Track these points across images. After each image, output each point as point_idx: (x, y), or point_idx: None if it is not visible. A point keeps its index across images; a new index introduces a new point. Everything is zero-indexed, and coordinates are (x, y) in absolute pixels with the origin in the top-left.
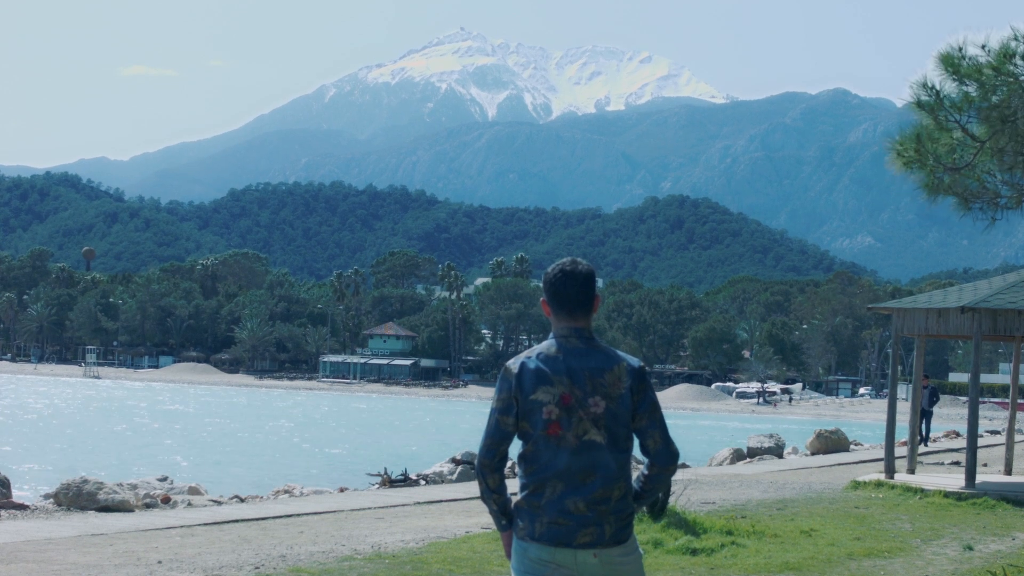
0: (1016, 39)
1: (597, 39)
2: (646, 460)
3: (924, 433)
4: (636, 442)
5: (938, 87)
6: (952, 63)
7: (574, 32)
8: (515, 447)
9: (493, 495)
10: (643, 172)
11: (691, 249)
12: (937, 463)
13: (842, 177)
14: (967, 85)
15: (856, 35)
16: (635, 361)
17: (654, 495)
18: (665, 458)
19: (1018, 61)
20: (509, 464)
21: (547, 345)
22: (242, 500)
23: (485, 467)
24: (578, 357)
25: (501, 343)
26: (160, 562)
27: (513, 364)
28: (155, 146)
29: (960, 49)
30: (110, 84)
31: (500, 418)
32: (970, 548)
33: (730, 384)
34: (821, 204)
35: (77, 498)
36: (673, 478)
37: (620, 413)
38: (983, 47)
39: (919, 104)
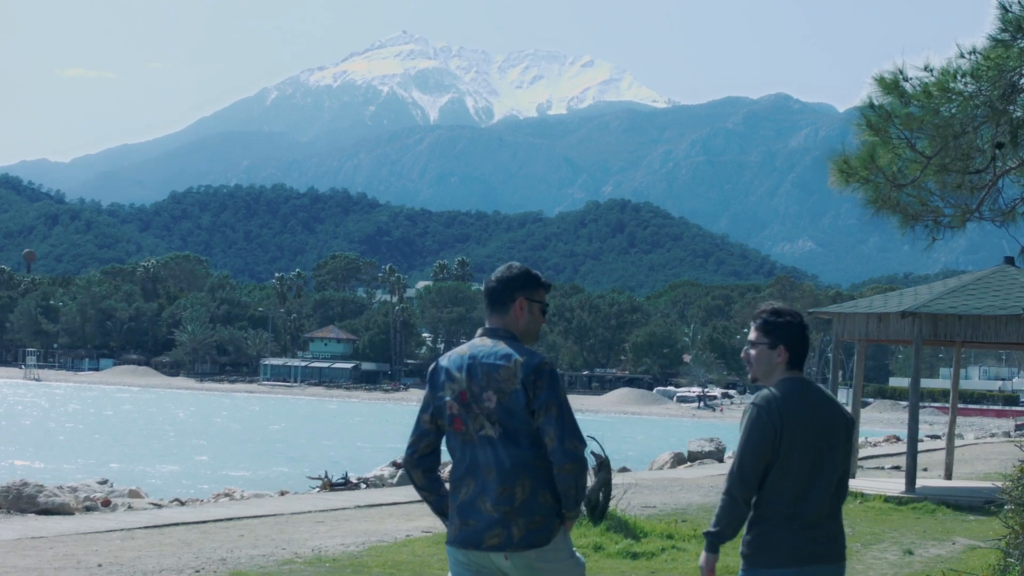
0: (962, 55)
1: (539, 43)
2: None
3: None
4: None
5: (886, 106)
6: (892, 86)
7: (516, 36)
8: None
9: (422, 492)
10: (584, 176)
11: (632, 253)
12: (878, 467)
13: (783, 182)
14: (911, 105)
15: (799, 41)
16: (535, 358)
17: (571, 497)
18: (559, 456)
19: (966, 79)
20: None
21: (464, 345)
22: (182, 503)
23: (406, 463)
24: (482, 354)
25: (442, 346)
26: (100, 565)
27: (433, 364)
28: (96, 148)
29: (900, 71)
30: (49, 85)
31: (420, 416)
32: (910, 553)
33: (671, 388)
34: (762, 209)
35: (17, 501)
36: (614, 481)
37: (514, 409)
38: (926, 68)
39: (869, 123)
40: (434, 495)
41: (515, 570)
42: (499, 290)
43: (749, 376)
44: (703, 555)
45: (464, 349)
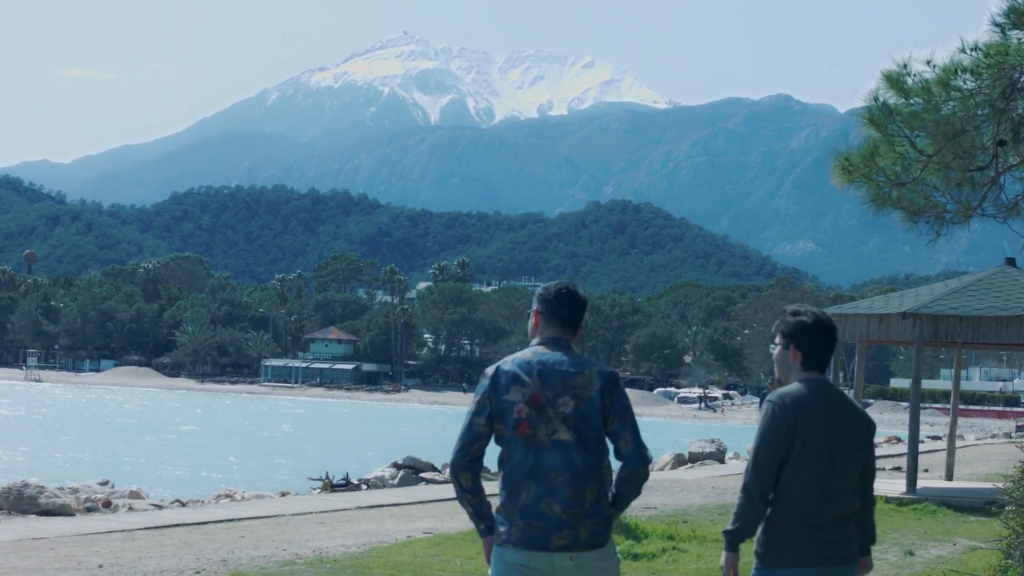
0: (964, 50)
1: (540, 43)
2: (620, 463)
3: None
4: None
5: (889, 102)
6: (897, 82)
7: (517, 36)
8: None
9: (466, 495)
10: (585, 177)
11: (633, 254)
12: (879, 468)
13: (784, 182)
14: (913, 101)
15: (799, 41)
16: (608, 368)
17: (628, 498)
18: (636, 459)
19: (966, 76)
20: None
21: (525, 351)
22: (183, 504)
23: (456, 465)
24: (552, 360)
25: (443, 347)
26: (101, 566)
27: (490, 368)
28: (97, 149)
29: (905, 66)
30: (49, 86)
31: (473, 419)
32: (911, 554)
33: (672, 389)
34: (763, 209)
35: (18, 502)
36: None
37: (589, 415)
38: (929, 63)
39: (871, 119)
40: (476, 498)
41: (577, 570)
42: (580, 311)
43: (778, 379)
44: (723, 555)
45: (528, 355)
